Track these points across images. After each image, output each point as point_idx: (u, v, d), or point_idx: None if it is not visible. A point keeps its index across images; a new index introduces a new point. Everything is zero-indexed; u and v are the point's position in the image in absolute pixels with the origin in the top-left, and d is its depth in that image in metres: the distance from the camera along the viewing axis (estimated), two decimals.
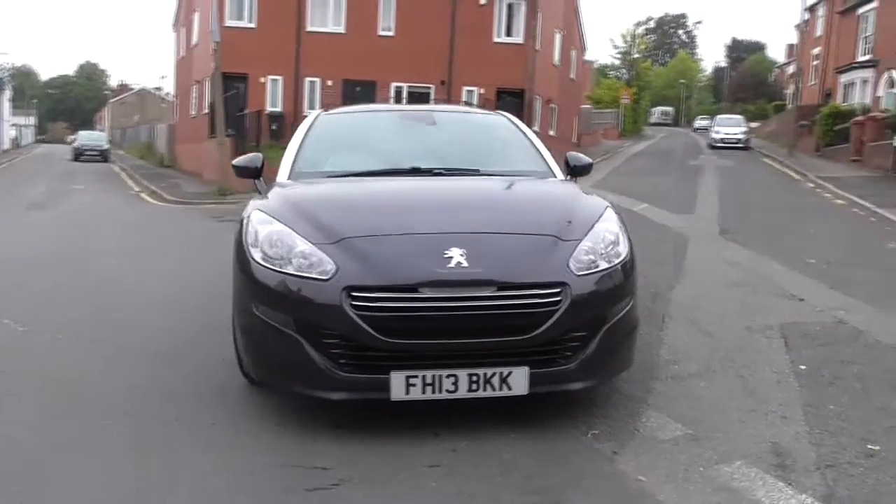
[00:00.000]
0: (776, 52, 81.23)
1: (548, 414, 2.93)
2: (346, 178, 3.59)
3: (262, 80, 24.15)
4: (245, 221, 3.11)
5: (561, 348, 2.72)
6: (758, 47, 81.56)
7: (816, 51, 38.33)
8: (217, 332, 4.02)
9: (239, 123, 19.35)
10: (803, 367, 3.73)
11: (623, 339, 2.92)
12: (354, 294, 2.60)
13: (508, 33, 24.52)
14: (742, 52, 79.76)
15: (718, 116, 39.02)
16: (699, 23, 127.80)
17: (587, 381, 2.82)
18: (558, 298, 2.68)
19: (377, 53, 23.52)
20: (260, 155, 3.98)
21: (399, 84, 24.21)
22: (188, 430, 2.86)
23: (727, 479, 2.48)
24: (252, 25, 23.62)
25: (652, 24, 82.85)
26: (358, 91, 24.05)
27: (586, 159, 4.04)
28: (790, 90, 55.93)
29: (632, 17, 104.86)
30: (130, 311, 4.85)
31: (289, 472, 2.49)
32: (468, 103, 17.75)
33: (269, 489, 2.38)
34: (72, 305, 5.12)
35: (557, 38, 29.22)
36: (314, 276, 2.67)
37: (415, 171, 3.61)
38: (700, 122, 52.69)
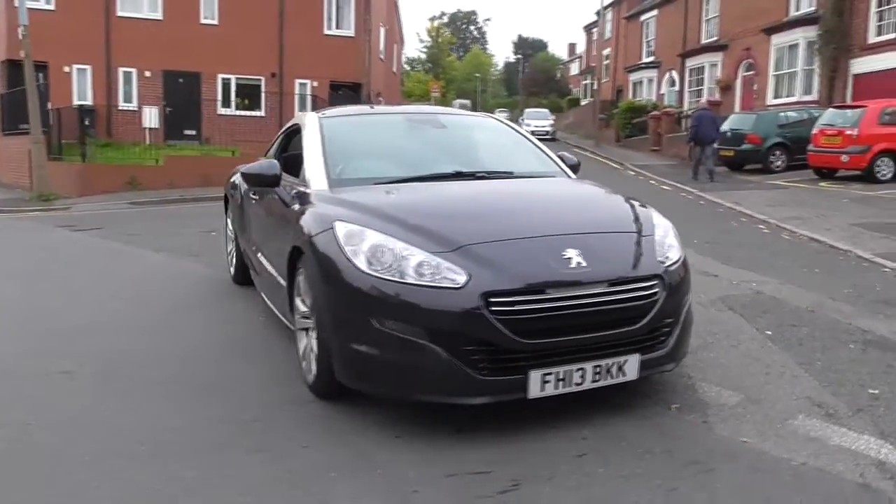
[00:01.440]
0: (558, 50, 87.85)
1: (621, 397, 3.21)
2: (397, 185, 3.60)
3: (67, 69, 21.86)
4: (329, 233, 3.04)
5: (659, 335, 3.03)
6: (541, 45, 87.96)
7: (607, 51, 42.09)
8: (227, 351, 3.84)
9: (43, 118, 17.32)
10: (769, 332, 4.37)
11: (690, 324, 3.29)
12: (492, 300, 2.70)
13: (339, 26, 24.33)
14: (527, 48, 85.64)
15: (528, 110, 41.55)
16: (488, 20, 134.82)
17: (675, 364, 3.16)
18: (657, 290, 2.98)
19: (201, 43, 22.27)
20: (276, 162, 3.83)
21: (226, 76, 23.15)
22: (291, 458, 2.72)
23: (805, 431, 2.93)
24: (51, 7, 21.25)
25: (445, 20, 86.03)
26: (181, 83, 22.65)
27: (575, 159, 4.40)
28: (580, 87, 61.09)
29: (426, 12, 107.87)
30: (119, 340, 4.35)
31: (453, 482, 2.51)
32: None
33: (452, 501, 2.40)
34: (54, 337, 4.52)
35: (382, 32, 29.47)
36: (446, 284, 2.72)
37: (458, 175, 3.72)
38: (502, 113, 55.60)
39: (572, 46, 77.67)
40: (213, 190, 14.17)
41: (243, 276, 5.41)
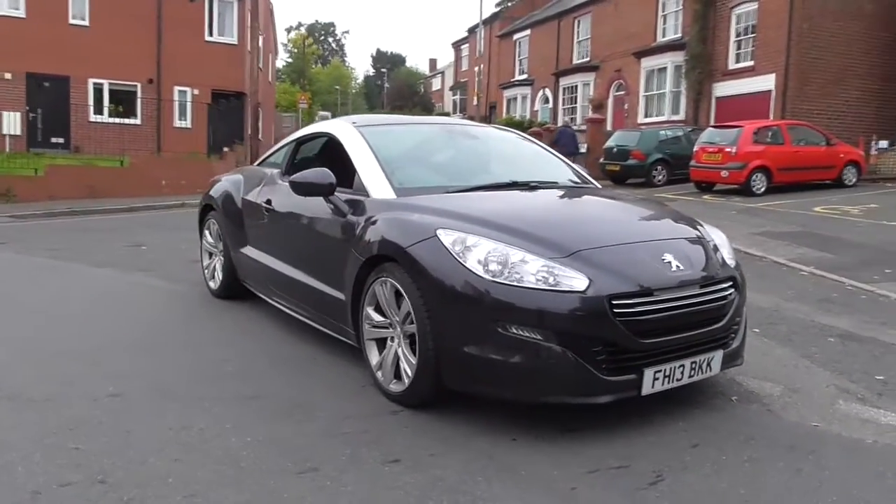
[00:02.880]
0: (416, 65, 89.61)
1: (684, 393, 3.45)
2: (464, 193, 3.66)
3: None
4: (432, 241, 3.06)
5: (732, 333, 3.30)
6: (400, 59, 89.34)
7: (477, 69, 43.47)
8: (268, 365, 3.71)
9: None
10: (756, 329, 4.81)
11: (746, 322, 3.59)
12: (614, 302, 2.86)
13: (221, 32, 23.50)
14: (386, 62, 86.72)
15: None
16: (347, 32, 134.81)
17: (742, 359, 3.44)
18: (733, 290, 3.26)
19: (69, 45, 20.78)
20: (328, 170, 3.76)
21: (99, 81, 21.72)
22: (428, 466, 2.73)
23: (854, 413, 3.32)
24: None
25: (303, 31, 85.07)
26: (47, 87, 20.96)
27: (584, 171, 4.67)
28: (443, 102, 62.47)
29: (282, 22, 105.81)
30: (140, 360, 4.05)
31: (599, 478, 2.62)
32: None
33: (610, 495, 2.52)
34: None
35: (260, 40, 28.72)
36: (570, 288, 2.84)
37: (514, 185, 3.85)
38: None
39: (433, 62, 79.60)
40: (103, 202, 13.27)
41: (231, 290, 5.20)
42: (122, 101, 21.78)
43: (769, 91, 19.80)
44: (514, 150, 4.64)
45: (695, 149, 15.77)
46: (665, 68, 24.00)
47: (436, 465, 2.71)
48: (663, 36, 24.83)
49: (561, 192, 3.95)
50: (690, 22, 22.66)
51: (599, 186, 4.37)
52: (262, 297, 4.77)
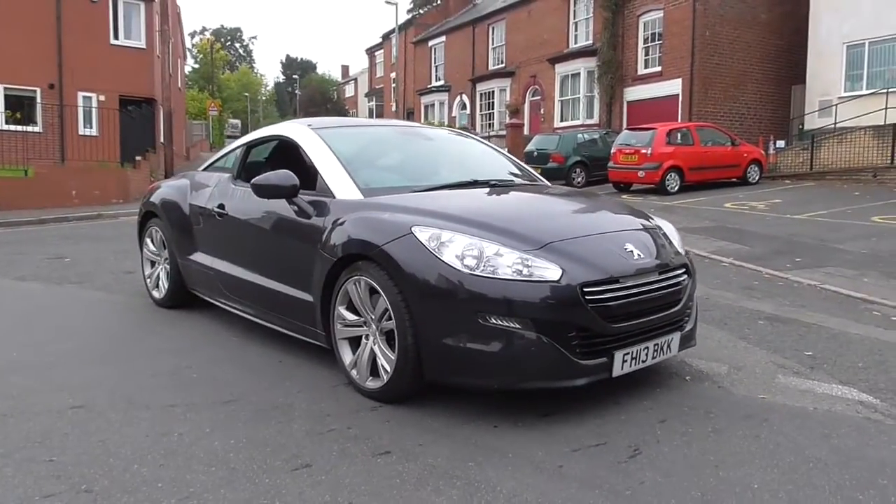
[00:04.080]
0: (326, 71, 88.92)
1: (641, 374, 3.64)
2: (429, 192, 3.75)
3: None
4: (408, 239, 3.14)
5: (686, 317, 3.54)
6: (311, 66, 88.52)
7: (393, 75, 43.57)
8: (236, 370, 3.68)
9: None
10: None
11: (697, 307, 3.84)
12: (586, 290, 3.02)
13: (127, 36, 22.61)
14: (296, 69, 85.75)
15: None
16: (255, 38, 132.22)
17: (695, 341, 3.68)
18: (686, 276, 3.50)
19: None
20: (290, 173, 3.78)
21: None
22: (420, 455, 2.81)
23: (794, 385, 3.61)
24: None
25: (209, 35, 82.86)
26: None
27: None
28: (356, 109, 62.19)
29: (187, 26, 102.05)
30: (96, 371, 3.92)
31: (582, 455, 2.79)
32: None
33: (596, 470, 2.69)
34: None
35: (169, 45, 27.81)
36: (545, 278, 2.98)
37: (476, 184, 3.98)
38: None
39: (346, 68, 79.15)
40: (7, 215, 12.57)
41: (178, 299, 5.10)
42: (20, 108, 20.58)
43: (676, 95, 20.85)
44: (467, 150, 4.77)
45: (612, 151, 16.42)
46: (578, 74, 24.85)
47: (426, 453, 2.79)
48: (575, 42, 25.70)
49: (521, 190, 4.11)
50: (601, 29, 23.56)
51: (550, 185, 4.56)
52: (217, 303, 4.71)
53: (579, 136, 19.41)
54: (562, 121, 25.49)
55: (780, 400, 3.43)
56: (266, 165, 4.62)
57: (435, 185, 3.86)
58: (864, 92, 17.84)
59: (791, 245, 8.82)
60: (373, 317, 3.32)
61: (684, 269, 3.52)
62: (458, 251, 3.05)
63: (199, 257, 4.74)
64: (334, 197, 3.68)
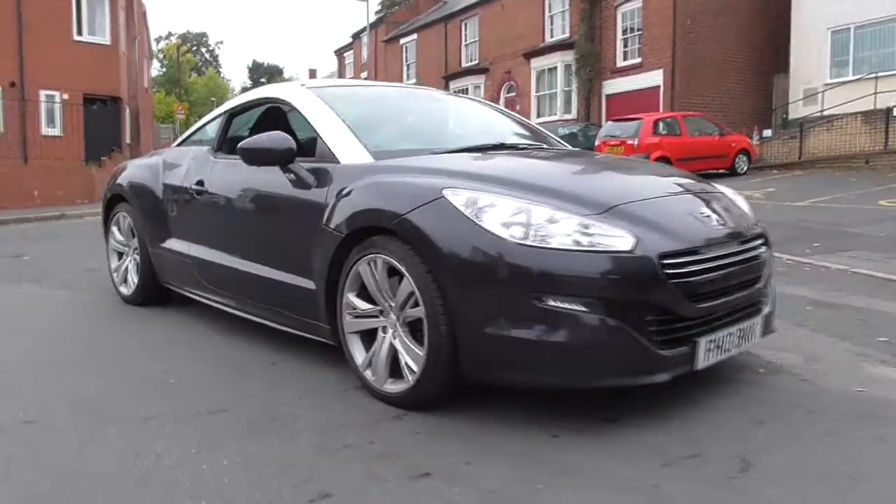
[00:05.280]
0: (296, 74, 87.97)
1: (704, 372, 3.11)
2: (456, 154, 3.14)
3: None
4: (437, 205, 2.52)
5: (766, 296, 2.96)
6: (277, 70, 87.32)
7: (364, 74, 42.82)
8: (222, 374, 3.06)
9: None
10: None
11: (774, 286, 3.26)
12: (665, 262, 2.43)
13: (91, 32, 21.62)
14: (263, 74, 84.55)
15: None
16: (221, 42, 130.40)
17: (775, 328, 3.10)
18: (765, 248, 2.93)
19: None
20: (284, 134, 3.14)
21: None
22: (470, 477, 2.22)
23: (889, 375, 3.07)
24: None
25: (174, 40, 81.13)
26: None
27: None
28: None
29: (153, 31, 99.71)
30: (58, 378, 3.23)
31: (681, 470, 2.21)
32: None
33: (704, 488, 2.11)
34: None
35: (136, 42, 26.85)
36: (614, 248, 2.38)
37: (503, 147, 3.38)
38: None
39: (313, 72, 78.04)
40: None
41: (149, 294, 4.42)
42: None
43: (657, 87, 20.48)
44: (484, 112, 4.17)
45: (596, 143, 15.93)
46: (555, 68, 24.40)
47: (477, 475, 2.17)
48: (551, 36, 25.25)
49: (558, 153, 3.51)
50: (578, 21, 23.14)
51: (586, 151, 3.98)
52: (194, 297, 4.04)
53: (560, 129, 18.91)
54: (539, 116, 25.01)
55: (882, 393, 2.87)
56: (252, 135, 3.97)
57: (459, 148, 3.25)
58: (851, 78, 17.61)
59: (801, 231, 8.35)
60: (392, 304, 2.70)
61: (763, 240, 2.94)
62: (502, 217, 2.44)
63: (174, 244, 4.06)
64: (338, 162, 3.05)
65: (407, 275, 2.57)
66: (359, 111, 3.46)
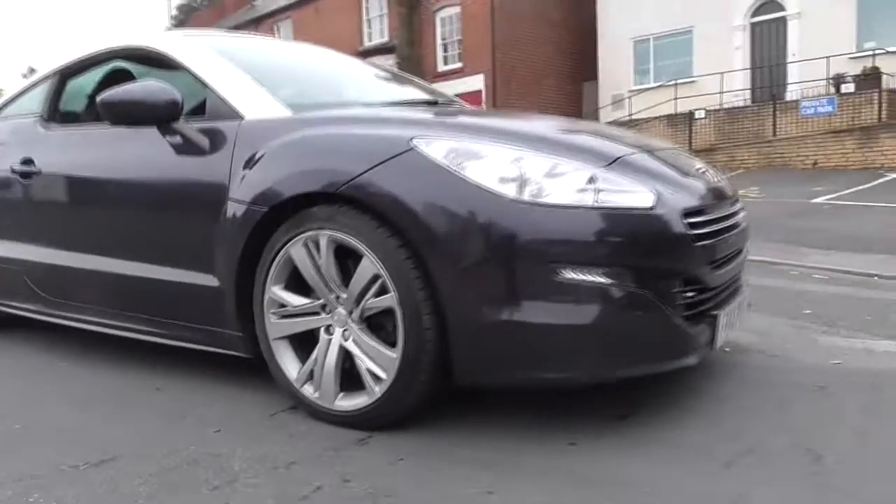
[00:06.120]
0: None
1: None
2: (392, 107, 2.54)
3: None
4: (409, 157, 1.94)
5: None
6: None
7: None
8: (109, 409, 2.27)
9: None
10: None
11: None
12: (689, 221, 2.03)
13: None
14: None
15: None
16: None
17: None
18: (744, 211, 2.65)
19: None
20: (165, 83, 2.35)
21: None
22: None
23: (850, 345, 2.95)
24: None
25: None
26: None
27: None
28: None
29: None
30: None
31: (743, 469, 1.81)
32: None
33: (790, 490, 1.72)
34: None
35: None
36: (636, 206, 1.93)
37: (436, 104, 2.84)
38: None
39: None
40: None
41: None
42: None
43: (480, 90, 20.83)
44: (397, 75, 3.59)
45: None
46: None
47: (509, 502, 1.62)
48: (370, 40, 24.88)
49: (510, 111, 3.03)
50: (397, 26, 22.99)
51: None
52: (23, 314, 3.05)
53: None
54: None
55: (862, 364, 2.71)
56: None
57: (391, 102, 2.67)
58: (653, 84, 19.02)
59: None
60: (343, 296, 2.06)
61: (741, 204, 2.68)
62: (496, 170, 1.91)
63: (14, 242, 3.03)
64: (242, 118, 2.34)
65: (369, 253, 1.96)
66: (259, 62, 2.74)
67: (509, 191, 1.87)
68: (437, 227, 1.88)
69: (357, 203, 1.97)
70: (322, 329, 2.12)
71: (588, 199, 1.89)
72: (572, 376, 1.93)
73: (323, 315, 2.12)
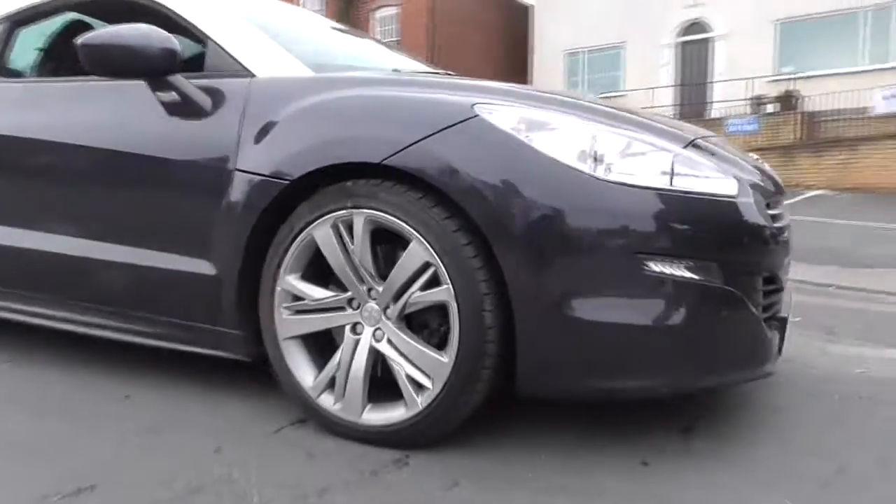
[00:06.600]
0: None
1: None
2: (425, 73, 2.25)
3: None
4: (474, 125, 1.64)
5: None
6: None
7: None
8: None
9: None
10: None
11: None
12: (772, 214, 1.82)
13: None
14: None
15: None
16: None
17: None
18: None
19: None
20: (159, 29, 1.96)
21: None
22: None
23: (869, 354, 2.87)
24: None
25: None
26: None
27: None
28: None
29: None
30: None
31: (827, 490, 1.62)
32: None
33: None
34: None
35: None
36: (720, 193, 1.70)
37: (447, 75, 2.56)
38: None
39: None
40: None
41: None
42: None
43: None
44: (403, 50, 3.27)
45: None
46: None
47: None
48: None
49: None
50: (335, 20, 22.49)
51: None
52: None
53: None
54: None
55: (886, 373, 2.61)
56: (57, 57, 2.63)
57: (418, 71, 2.38)
58: None
59: None
60: (378, 288, 1.74)
61: None
62: (573, 143, 1.64)
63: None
64: (253, 76, 1.98)
65: (419, 237, 1.65)
66: (268, 17, 2.37)
67: (588, 168, 1.62)
68: (507, 207, 1.60)
69: (406, 177, 1.67)
70: (348, 328, 1.79)
71: (677, 183, 1.66)
72: (653, 385, 1.68)
73: (349, 311, 1.79)
